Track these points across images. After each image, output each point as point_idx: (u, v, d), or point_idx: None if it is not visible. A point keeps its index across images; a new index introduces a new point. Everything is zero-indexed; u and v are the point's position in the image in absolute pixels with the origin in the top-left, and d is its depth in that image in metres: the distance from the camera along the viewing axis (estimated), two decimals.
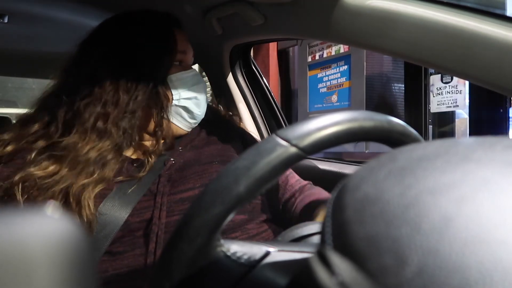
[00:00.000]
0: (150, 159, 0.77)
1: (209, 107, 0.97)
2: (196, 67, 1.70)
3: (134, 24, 0.83)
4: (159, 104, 0.79)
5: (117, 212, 0.71)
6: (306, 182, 0.95)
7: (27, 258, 0.18)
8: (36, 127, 0.77)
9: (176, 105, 0.82)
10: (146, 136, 0.83)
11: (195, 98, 0.84)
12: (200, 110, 0.86)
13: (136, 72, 0.77)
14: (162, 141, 0.82)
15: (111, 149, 0.74)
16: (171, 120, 0.82)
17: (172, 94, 0.81)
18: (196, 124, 0.88)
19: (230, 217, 0.32)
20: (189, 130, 0.87)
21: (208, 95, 1.47)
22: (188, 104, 0.83)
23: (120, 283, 0.69)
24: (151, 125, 0.81)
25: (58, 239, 0.19)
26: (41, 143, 0.74)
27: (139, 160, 0.79)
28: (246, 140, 0.97)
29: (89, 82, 0.77)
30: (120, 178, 0.74)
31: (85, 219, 0.67)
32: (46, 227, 0.19)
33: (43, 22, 1.29)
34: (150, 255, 0.69)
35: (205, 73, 1.45)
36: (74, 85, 0.77)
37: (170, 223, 0.72)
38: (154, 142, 0.80)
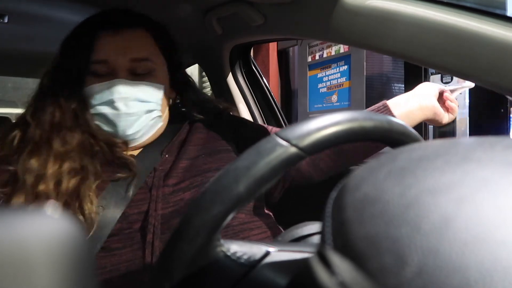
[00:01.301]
0: (127, 163, 0.76)
1: (206, 102, 0.96)
2: (196, 67, 1.70)
3: (74, 28, 0.82)
4: (80, 119, 0.77)
5: (115, 206, 0.72)
6: None
7: (27, 258, 0.18)
8: (15, 132, 0.79)
9: (96, 121, 0.78)
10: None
11: (105, 116, 0.77)
12: (115, 131, 0.77)
13: (61, 83, 0.78)
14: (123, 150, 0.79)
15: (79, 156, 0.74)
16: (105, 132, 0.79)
17: (89, 108, 0.78)
18: (137, 141, 0.81)
19: (230, 217, 0.32)
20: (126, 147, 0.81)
21: (208, 95, 1.47)
22: (99, 122, 0.78)
23: (119, 278, 0.69)
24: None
25: (58, 239, 0.19)
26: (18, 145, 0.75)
27: (125, 157, 0.79)
28: (241, 132, 0.94)
29: (37, 92, 0.80)
30: (117, 175, 0.75)
31: (88, 214, 0.68)
32: (46, 227, 0.19)
33: (43, 22, 1.29)
34: (148, 246, 0.69)
35: (205, 73, 1.45)
36: (35, 93, 0.81)
37: (166, 215, 0.73)
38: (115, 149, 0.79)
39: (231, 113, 1.00)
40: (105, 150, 0.77)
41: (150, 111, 0.80)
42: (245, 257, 0.35)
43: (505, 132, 2.18)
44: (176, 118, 0.91)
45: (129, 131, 0.78)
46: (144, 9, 0.86)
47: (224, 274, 0.35)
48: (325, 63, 3.30)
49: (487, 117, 2.39)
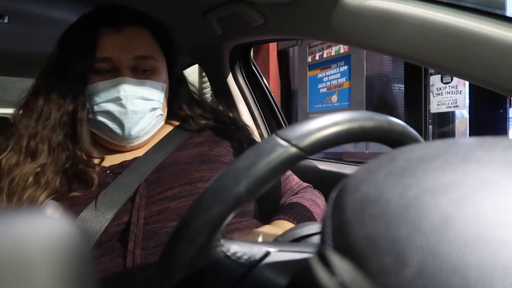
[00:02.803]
0: (91, 174, 0.74)
1: (198, 102, 0.93)
2: (196, 67, 1.70)
3: (72, 26, 0.81)
4: (76, 116, 0.77)
5: (99, 218, 0.69)
6: (306, 184, 0.93)
7: (27, 258, 0.18)
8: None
9: (92, 118, 0.78)
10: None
11: (111, 113, 0.76)
12: (121, 129, 0.77)
13: (61, 81, 0.77)
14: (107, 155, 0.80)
15: (48, 169, 0.73)
16: (100, 133, 0.79)
17: (87, 107, 0.77)
18: (132, 143, 0.80)
19: (230, 217, 0.32)
20: (127, 145, 0.81)
21: (208, 95, 1.46)
22: (104, 119, 0.77)
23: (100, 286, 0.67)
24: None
25: (58, 239, 0.19)
26: None
27: (110, 167, 0.78)
28: (240, 138, 0.91)
29: (31, 93, 0.80)
30: (72, 193, 0.72)
31: None
32: (46, 227, 0.19)
33: (43, 22, 1.29)
34: (129, 255, 0.67)
35: (205, 73, 1.45)
36: (27, 95, 0.81)
37: (148, 224, 0.70)
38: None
39: (231, 116, 0.97)
40: (74, 163, 0.76)
41: (153, 109, 0.80)
42: (245, 257, 0.35)
43: (504, 132, 2.18)
44: (173, 119, 0.90)
45: (134, 130, 0.77)
46: (144, 9, 0.86)
47: (224, 274, 0.35)
48: (325, 64, 3.31)
49: (486, 117, 2.40)
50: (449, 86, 2.46)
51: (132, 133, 0.78)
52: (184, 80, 0.93)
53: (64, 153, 0.76)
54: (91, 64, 0.76)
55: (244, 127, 0.96)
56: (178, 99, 0.89)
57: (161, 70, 0.82)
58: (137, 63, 0.78)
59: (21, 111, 0.78)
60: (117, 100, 0.75)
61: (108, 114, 0.76)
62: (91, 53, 0.76)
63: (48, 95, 0.77)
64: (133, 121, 0.77)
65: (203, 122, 0.88)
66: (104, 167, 0.79)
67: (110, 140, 0.80)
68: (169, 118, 0.90)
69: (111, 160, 0.80)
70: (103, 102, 0.76)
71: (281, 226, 0.73)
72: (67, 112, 0.77)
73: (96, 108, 0.77)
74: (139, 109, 0.77)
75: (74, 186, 0.74)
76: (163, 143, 0.84)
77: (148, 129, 0.80)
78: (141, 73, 0.79)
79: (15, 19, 1.25)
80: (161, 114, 0.83)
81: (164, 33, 0.86)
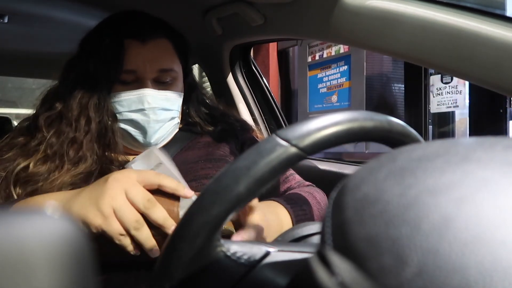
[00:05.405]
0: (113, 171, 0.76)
1: (208, 107, 0.96)
2: (196, 67, 1.70)
3: (95, 32, 0.82)
4: (107, 125, 0.78)
5: None
6: (307, 183, 0.95)
7: (27, 258, 0.18)
8: (21, 138, 0.79)
9: (119, 125, 0.80)
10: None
11: (135, 121, 0.79)
12: (143, 137, 0.80)
13: (90, 89, 0.78)
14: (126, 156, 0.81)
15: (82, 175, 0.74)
16: (120, 139, 0.81)
17: (114, 113, 0.80)
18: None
19: (230, 217, 0.32)
20: (142, 151, 0.84)
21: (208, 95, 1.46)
22: (127, 127, 0.80)
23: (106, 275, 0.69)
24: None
25: (58, 239, 0.19)
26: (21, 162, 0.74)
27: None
28: (243, 139, 0.95)
29: (53, 97, 0.81)
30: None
31: None
32: (46, 227, 0.19)
33: (43, 22, 1.29)
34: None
35: (205, 73, 1.46)
36: (47, 98, 0.82)
37: None
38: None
39: (235, 117, 1.00)
40: (102, 165, 0.77)
41: (172, 118, 0.84)
42: (245, 257, 0.35)
43: (504, 132, 2.18)
44: (182, 121, 0.92)
45: (154, 138, 0.81)
46: (144, 9, 0.86)
47: (224, 274, 0.35)
48: (325, 63, 3.31)
49: (486, 117, 2.40)
50: (449, 86, 2.47)
51: (152, 140, 0.81)
52: (195, 86, 0.95)
53: (96, 158, 0.78)
54: (116, 75, 0.78)
55: (251, 130, 1.00)
56: (188, 106, 0.92)
57: (179, 80, 0.85)
58: (160, 75, 0.81)
59: (46, 115, 0.79)
60: (141, 111, 0.79)
61: (132, 122, 0.80)
62: (118, 64, 0.77)
63: (81, 104, 0.78)
64: (154, 129, 0.80)
65: (209, 128, 0.92)
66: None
67: (129, 146, 0.83)
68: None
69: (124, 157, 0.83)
70: (127, 111, 0.79)
71: (268, 205, 0.73)
72: (100, 122, 0.79)
73: (119, 116, 0.80)
74: (161, 119, 0.81)
75: (92, 180, 0.76)
76: (172, 142, 0.87)
77: (165, 136, 0.84)
78: (162, 84, 0.82)
79: (15, 19, 1.25)
80: (178, 122, 0.87)
81: (183, 43, 0.88)
